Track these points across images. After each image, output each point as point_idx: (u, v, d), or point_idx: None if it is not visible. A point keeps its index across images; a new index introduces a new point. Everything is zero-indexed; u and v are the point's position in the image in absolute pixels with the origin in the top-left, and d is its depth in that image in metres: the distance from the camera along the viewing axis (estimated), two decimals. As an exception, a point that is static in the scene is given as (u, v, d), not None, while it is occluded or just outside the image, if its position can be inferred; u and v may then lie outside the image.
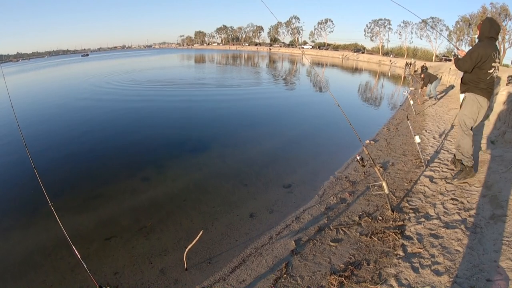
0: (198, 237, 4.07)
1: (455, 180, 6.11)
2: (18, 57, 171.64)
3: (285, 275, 3.98)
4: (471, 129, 5.95)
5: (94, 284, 3.25)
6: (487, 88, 5.66)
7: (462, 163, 6.14)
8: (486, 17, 5.82)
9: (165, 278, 4.34)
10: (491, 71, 5.54)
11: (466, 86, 5.91)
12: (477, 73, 5.66)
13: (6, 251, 5.28)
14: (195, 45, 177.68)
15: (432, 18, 71.96)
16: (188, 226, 5.56)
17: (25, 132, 4.69)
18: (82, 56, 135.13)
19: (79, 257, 3.27)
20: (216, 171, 8.03)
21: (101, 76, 32.76)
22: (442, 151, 7.83)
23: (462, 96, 6.17)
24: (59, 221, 3.37)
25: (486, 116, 8.92)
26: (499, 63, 5.61)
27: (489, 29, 5.58)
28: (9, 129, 12.10)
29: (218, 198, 6.54)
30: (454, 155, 6.60)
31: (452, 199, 5.32)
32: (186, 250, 4.30)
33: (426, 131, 10.16)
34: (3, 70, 9.24)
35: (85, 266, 3.26)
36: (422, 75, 17.28)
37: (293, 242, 4.70)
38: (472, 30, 56.30)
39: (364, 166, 5.34)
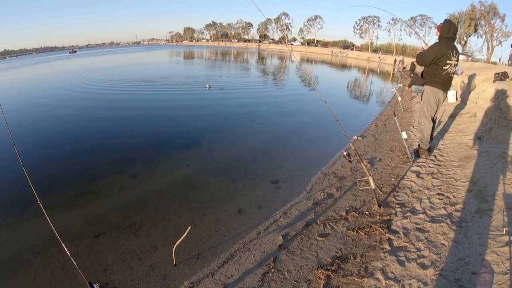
0: (186, 232, 4.09)
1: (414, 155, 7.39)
2: (6, 54, 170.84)
3: (273, 270, 4.00)
4: (432, 119, 6.93)
5: (84, 281, 3.25)
6: (443, 82, 6.47)
7: (419, 146, 7.29)
8: (445, 19, 6.37)
9: (154, 274, 4.35)
10: (446, 67, 6.29)
11: (424, 80, 6.76)
12: (433, 68, 6.44)
13: (-5, 249, 5.27)
14: (184, 41, 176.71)
15: (421, 15, 72.57)
16: (176, 222, 5.56)
17: (13, 130, 4.65)
18: (70, 52, 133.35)
19: (68, 254, 3.27)
20: (205, 167, 8.02)
21: (89, 72, 32.52)
22: (429, 146, 7.88)
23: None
24: (48, 219, 3.36)
25: (474, 114, 9.09)
26: (456, 61, 6.32)
27: (447, 30, 6.30)
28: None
29: (206, 194, 6.54)
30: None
31: (438, 194, 5.39)
32: (175, 246, 4.31)
33: (413, 127, 10.24)
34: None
35: (75, 263, 3.26)
36: (411, 75, 17.37)
37: (281, 237, 4.72)
38: (460, 27, 56.62)
39: (351, 161, 5.41)
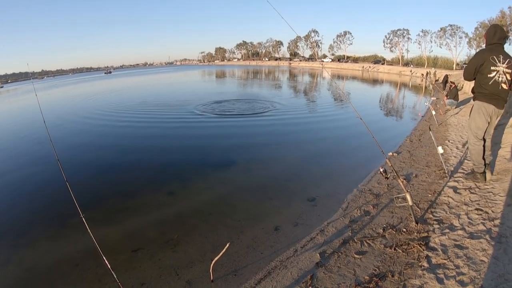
0: (224, 249, 4.16)
1: (466, 177, 6.61)
2: (43, 74, 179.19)
3: (310, 287, 4.03)
4: (482, 137, 5.99)
5: (123, 293, 3.34)
6: (492, 95, 5.67)
7: (474, 170, 6.37)
8: (491, 24, 5.92)
9: (191, 289, 4.45)
10: (491, 75, 5.56)
11: (474, 95, 6.01)
12: (478, 79, 5.76)
13: (35, 259, 5.50)
14: (215, 61, 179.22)
15: (451, 25, 71.15)
16: (213, 239, 5.66)
17: (57, 147, 4.86)
18: (105, 73, 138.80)
19: (109, 267, 3.38)
20: (241, 185, 8.18)
21: (130, 94, 33.32)
22: (465, 161, 7.72)
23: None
24: (90, 232, 3.49)
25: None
26: (507, 68, 5.54)
27: (492, 35, 5.69)
28: (43, 144, 12.57)
29: (243, 212, 6.65)
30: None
31: (476, 209, 5.28)
32: (213, 262, 4.39)
33: (449, 141, 10.07)
34: (34, 86, 9.72)
35: (115, 276, 3.37)
36: (444, 88, 17.09)
37: (318, 254, 4.74)
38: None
39: (387, 178, 5.33)
